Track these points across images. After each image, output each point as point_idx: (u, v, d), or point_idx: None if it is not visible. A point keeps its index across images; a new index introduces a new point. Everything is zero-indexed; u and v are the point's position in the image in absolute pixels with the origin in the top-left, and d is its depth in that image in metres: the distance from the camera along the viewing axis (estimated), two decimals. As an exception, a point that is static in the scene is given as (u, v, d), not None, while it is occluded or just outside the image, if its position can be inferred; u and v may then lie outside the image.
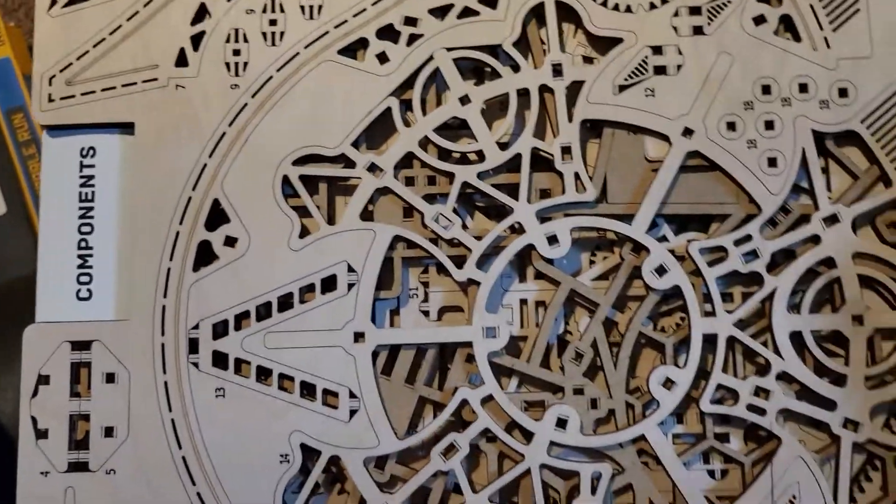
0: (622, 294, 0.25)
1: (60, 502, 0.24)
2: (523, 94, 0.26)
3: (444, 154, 0.26)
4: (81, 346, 0.25)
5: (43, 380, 0.25)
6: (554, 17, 0.26)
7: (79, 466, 0.24)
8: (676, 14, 0.26)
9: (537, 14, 0.26)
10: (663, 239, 0.26)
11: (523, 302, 0.26)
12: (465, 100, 0.26)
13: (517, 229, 0.25)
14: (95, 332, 0.25)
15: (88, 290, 0.26)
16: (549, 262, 0.25)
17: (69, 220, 0.26)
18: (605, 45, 0.26)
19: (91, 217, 0.26)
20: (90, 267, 0.26)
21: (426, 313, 0.26)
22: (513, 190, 0.26)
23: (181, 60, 0.26)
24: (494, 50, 0.26)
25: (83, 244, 0.26)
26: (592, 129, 0.26)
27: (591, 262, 0.26)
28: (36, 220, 0.66)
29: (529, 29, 0.26)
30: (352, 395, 0.25)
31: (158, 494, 0.24)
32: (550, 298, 0.25)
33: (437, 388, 0.25)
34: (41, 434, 0.25)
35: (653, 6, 0.26)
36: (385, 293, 0.26)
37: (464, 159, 0.26)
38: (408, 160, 0.26)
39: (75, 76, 0.26)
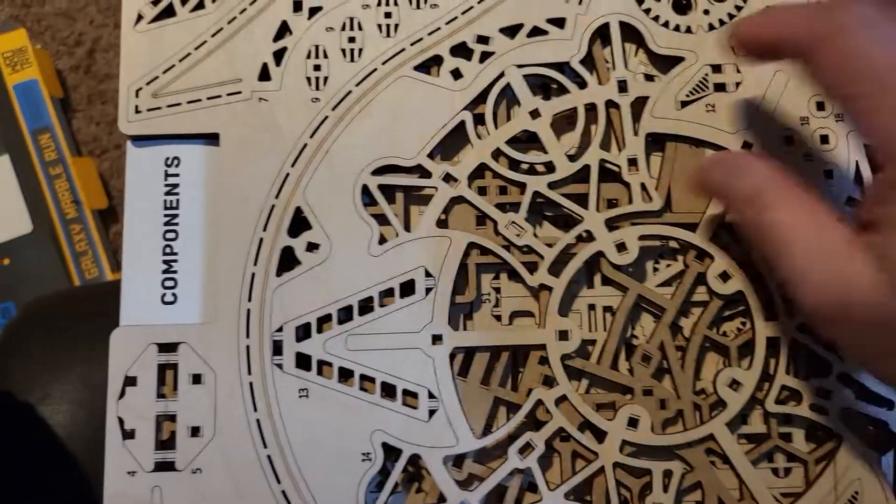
0: (686, 299, 0.27)
1: (147, 501, 0.25)
2: (590, 108, 0.28)
3: (515, 165, 0.28)
4: (168, 348, 0.26)
5: (130, 381, 0.26)
6: (619, 37, 0.28)
7: (165, 466, 0.25)
8: (734, 35, 0.28)
9: (602, 34, 0.28)
10: (725, 246, 0.27)
11: (591, 307, 0.27)
12: (535, 114, 0.28)
13: (586, 237, 0.27)
14: (182, 334, 0.26)
15: (174, 295, 0.27)
16: (617, 268, 0.27)
17: (154, 227, 0.27)
18: (666, 63, 0.28)
19: (176, 224, 0.27)
20: (175, 272, 0.27)
21: (498, 317, 0.27)
22: (580, 200, 0.27)
23: (264, 75, 0.27)
24: (561, 67, 0.28)
25: (168, 250, 0.27)
26: (656, 142, 0.28)
27: (655, 269, 0.28)
28: (62, 238, 0.67)
29: (594, 47, 0.28)
30: (430, 396, 0.26)
31: (244, 493, 0.25)
32: (618, 303, 0.27)
33: (510, 390, 0.26)
34: (128, 434, 0.26)
35: (711, 27, 0.28)
36: (459, 298, 0.27)
37: (532, 170, 0.28)
38: (480, 171, 0.27)
39: (161, 88, 0.27)
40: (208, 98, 0.27)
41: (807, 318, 0.24)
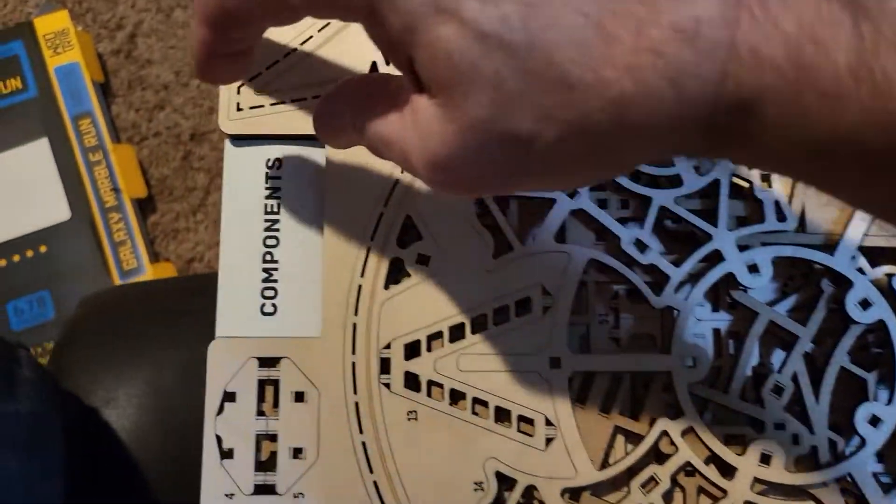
0: (821, 326, 0.26)
1: (245, 526, 0.24)
2: None
3: (637, 176, 0.26)
4: (269, 362, 0.24)
5: (228, 397, 0.25)
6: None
7: (265, 489, 0.24)
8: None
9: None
10: (860, 271, 0.26)
11: (716, 332, 0.26)
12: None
13: (714, 257, 0.26)
14: (284, 348, 0.25)
15: (273, 305, 0.25)
16: (746, 291, 0.26)
17: (253, 233, 0.25)
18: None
19: (276, 230, 0.26)
20: (275, 281, 0.25)
21: (616, 340, 0.26)
22: (707, 216, 0.26)
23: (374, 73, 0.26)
24: None
25: (268, 258, 0.26)
26: (789, 157, 0.26)
27: (785, 293, 0.26)
28: (101, 226, 0.66)
29: None
30: (548, 423, 0.25)
31: (348, 520, 0.24)
32: (745, 329, 0.26)
33: (631, 418, 0.25)
34: (226, 454, 0.24)
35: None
36: (575, 318, 0.26)
37: (656, 182, 0.26)
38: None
39: (265, 86, 0.25)
40: (314, 97, 0.26)
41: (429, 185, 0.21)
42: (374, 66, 0.26)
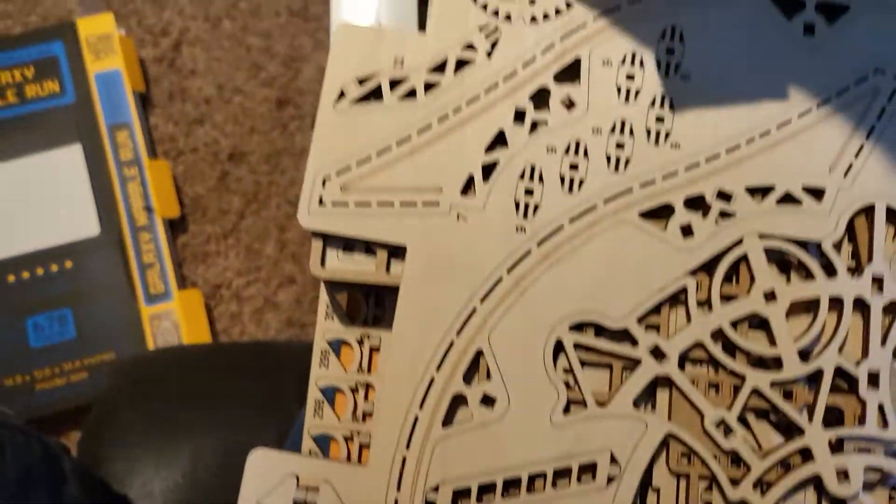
0: (909, 546, 0.25)
1: None
2: (835, 302, 0.25)
3: (731, 349, 0.26)
4: (308, 483, 0.23)
5: (259, 516, 0.24)
6: (883, 224, 0.26)
7: None
8: None
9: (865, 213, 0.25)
10: (961, 493, 0.25)
11: (794, 532, 0.26)
12: (769, 296, 0.26)
13: (803, 454, 0.25)
14: (327, 471, 0.23)
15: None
16: (832, 499, 0.25)
17: None
18: (926, 262, 0.26)
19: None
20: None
21: (683, 524, 0.25)
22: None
23: (468, 188, 0.25)
24: (808, 245, 0.25)
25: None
26: (898, 354, 0.26)
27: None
28: (130, 246, 0.67)
29: (854, 227, 0.26)
30: None
31: None
32: (827, 535, 0.25)
33: None
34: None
35: None
36: (642, 496, 0.25)
37: (753, 359, 0.26)
38: (692, 348, 0.26)
39: (352, 182, 0.25)
40: (402, 203, 0.25)
41: None
42: (470, 178, 0.26)
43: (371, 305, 0.26)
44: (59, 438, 0.63)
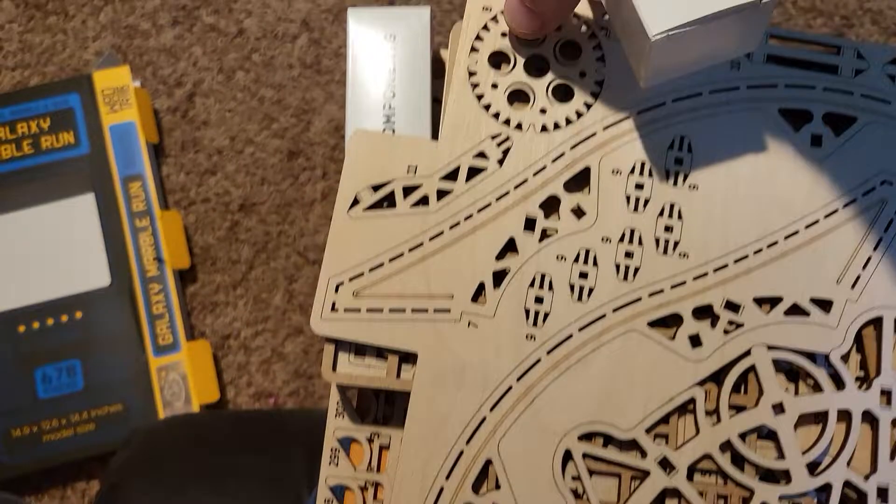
0: None
1: None
2: (843, 414, 0.25)
3: (739, 461, 0.25)
4: None
5: None
6: (891, 336, 0.27)
7: None
8: None
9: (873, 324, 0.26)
10: None
11: None
12: (778, 408, 0.26)
13: (812, 566, 0.25)
14: None
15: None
16: None
17: None
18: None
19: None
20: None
21: None
22: (809, 515, 0.26)
23: (478, 295, 0.25)
24: (815, 356, 0.25)
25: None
26: (908, 466, 0.26)
27: None
28: (140, 297, 0.68)
29: (861, 340, 0.26)
30: None
31: None
32: None
33: None
34: None
35: None
36: None
37: (761, 472, 0.26)
38: (700, 460, 0.26)
39: (364, 288, 0.25)
40: (413, 310, 0.25)
41: None
42: (480, 285, 0.26)
43: (381, 403, 0.27)
44: (66, 489, 0.63)
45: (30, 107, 0.69)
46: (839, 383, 0.25)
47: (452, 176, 0.26)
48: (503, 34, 0.27)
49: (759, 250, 0.26)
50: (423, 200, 0.26)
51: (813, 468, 0.25)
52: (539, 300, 0.25)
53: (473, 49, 0.26)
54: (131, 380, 0.63)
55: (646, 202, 0.26)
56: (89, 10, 0.75)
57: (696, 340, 0.25)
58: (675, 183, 0.26)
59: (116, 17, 0.75)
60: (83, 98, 0.68)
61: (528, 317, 0.25)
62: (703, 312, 0.25)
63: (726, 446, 0.25)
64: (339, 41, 0.74)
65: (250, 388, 0.67)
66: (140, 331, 0.62)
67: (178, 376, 0.63)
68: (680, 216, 0.26)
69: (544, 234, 0.26)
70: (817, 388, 0.25)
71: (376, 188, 0.26)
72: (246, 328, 0.69)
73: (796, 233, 0.26)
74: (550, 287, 0.25)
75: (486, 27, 0.27)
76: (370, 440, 0.26)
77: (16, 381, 0.62)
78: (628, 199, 0.26)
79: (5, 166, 0.67)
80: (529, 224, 0.26)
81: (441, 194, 0.26)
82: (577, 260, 0.26)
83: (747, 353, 0.25)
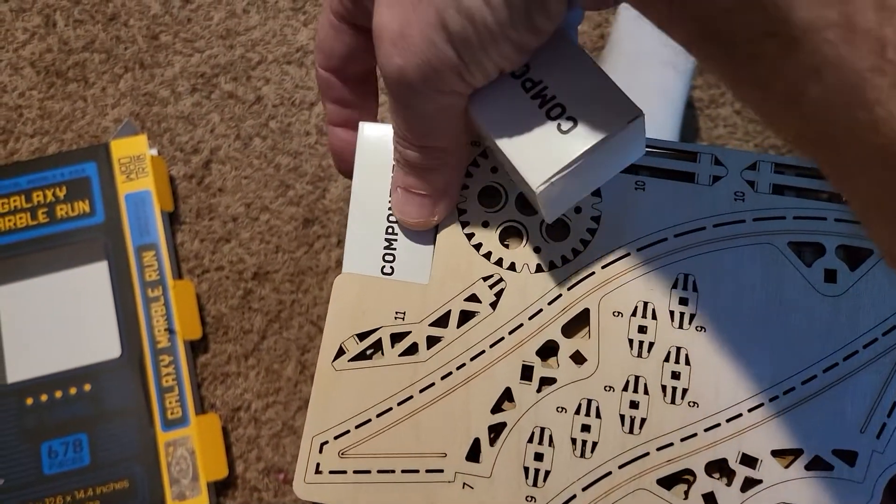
0: None
1: None
2: None
3: None
4: None
5: None
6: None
7: None
8: None
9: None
10: None
11: None
12: (800, 576, 0.24)
13: None
14: None
15: None
16: None
17: None
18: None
19: None
20: None
21: None
22: None
23: (473, 454, 0.23)
24: None
25: None
26: None
27: None
28: (150, 369, 0.67)
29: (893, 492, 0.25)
30: None
31: None
32: None
33: None
34: None
35: None
36: None
37: None
38: None
39: (350, 447, 0.23)
40: (403, 471, 0.23)
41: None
42: (476, 442, 0.24)
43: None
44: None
45: (46, 175, 0.69)
46: (866, 542, 0.23)
47: (443, 321, 0.24)
48: (493, 169, 0.25)
49: (775, 398, 0.23)
50: (413, 349, 0.24)
51: None
52: (539, 457, 0.23)
53: (464, 186, 0.25)
54: (138, 455, 0.62)
55: (650, 346, 0.24)
56: (109, 77, 0.75)
57: (710, 499, 0.23)
58: (681, 325, 0.24)
59: (136, 85, 0.75)
60: (100, 167, 0.68)
61: (527, 476, 0.23)
62: (718, 468, 0.23)
63: None
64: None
65: (259, 463, 0.66)
66: (149, 404, 0.61)
67: (187, 452, 0.62)
68: (688, 361, 0.24)
69: (542, 383, 0.24)
70: (843, 552, 0.23)
71: (362, 336, 0.24)
72: (257, 400, 0.68)
73: (814, 378, 0.23)
74: (551, 442, 0.23)
75: (475, 163, 0.25)
76: None
77: (21, 456, 0.61)
78: (631, 343, 0.24)
79: (20, 235, 0.67)
80: (526, 372, 0.24)
81: (431, 341, 0.24)
82: (578, 411, 0.24)
83: (766, 514, 0.23)
